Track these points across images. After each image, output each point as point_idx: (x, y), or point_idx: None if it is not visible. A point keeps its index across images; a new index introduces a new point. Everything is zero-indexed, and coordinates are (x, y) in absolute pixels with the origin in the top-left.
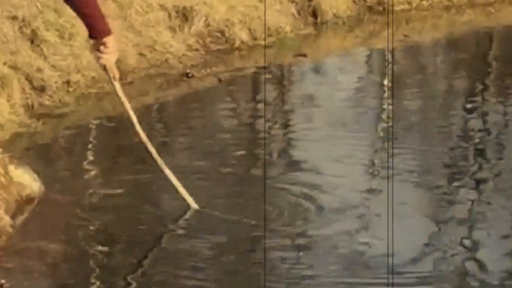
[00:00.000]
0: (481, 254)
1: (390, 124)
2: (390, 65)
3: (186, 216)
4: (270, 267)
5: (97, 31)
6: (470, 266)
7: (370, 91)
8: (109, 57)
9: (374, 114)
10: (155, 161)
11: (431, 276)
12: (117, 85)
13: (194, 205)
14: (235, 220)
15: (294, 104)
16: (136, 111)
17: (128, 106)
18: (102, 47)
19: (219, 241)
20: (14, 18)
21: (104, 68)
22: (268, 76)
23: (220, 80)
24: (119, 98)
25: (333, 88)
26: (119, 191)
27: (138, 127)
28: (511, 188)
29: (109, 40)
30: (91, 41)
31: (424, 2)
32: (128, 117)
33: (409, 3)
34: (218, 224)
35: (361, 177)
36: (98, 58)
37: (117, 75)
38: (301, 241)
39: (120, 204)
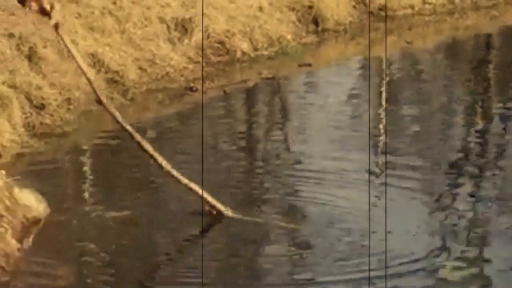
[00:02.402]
0: None
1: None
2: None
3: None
4: None
5: None
6: None
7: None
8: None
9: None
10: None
11: None
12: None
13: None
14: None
15: (293, 113)
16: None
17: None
18: None
19: None
20: (11, 35)
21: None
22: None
23: (225, 93)
24: None
25: (331, 97)
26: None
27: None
28: None
29: None
30: None
31: (427, 6)
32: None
33: (412, 7)
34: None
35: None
36: None
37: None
38: None
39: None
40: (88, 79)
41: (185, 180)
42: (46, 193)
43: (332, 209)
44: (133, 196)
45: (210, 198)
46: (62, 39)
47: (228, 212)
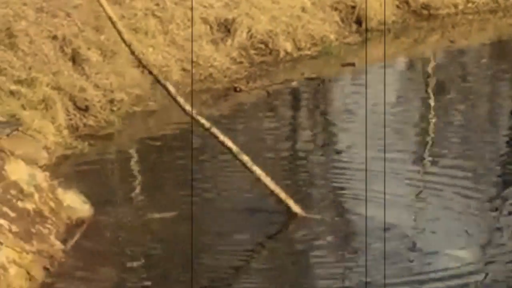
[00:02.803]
0: None
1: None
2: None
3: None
4: None
5: None
6: None
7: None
8: None
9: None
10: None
11: None
12: None
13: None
14: None
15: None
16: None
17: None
18: None
19: None
20: (55, 37)
21: None
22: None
23: (268, 93)
24: None
25: (374, 95)
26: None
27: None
28: None
29: None
30: None
31: (470, 5)
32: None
33: (455, 6)
34: None
35: None
36: None
37: None
38: None
39: None
40: (118, 31)
41: (255, 169)
42: (90, 195)
43: (376, 205)
44: (179, 196)
45: (282, 195)
46: None
47: (299, 210)
